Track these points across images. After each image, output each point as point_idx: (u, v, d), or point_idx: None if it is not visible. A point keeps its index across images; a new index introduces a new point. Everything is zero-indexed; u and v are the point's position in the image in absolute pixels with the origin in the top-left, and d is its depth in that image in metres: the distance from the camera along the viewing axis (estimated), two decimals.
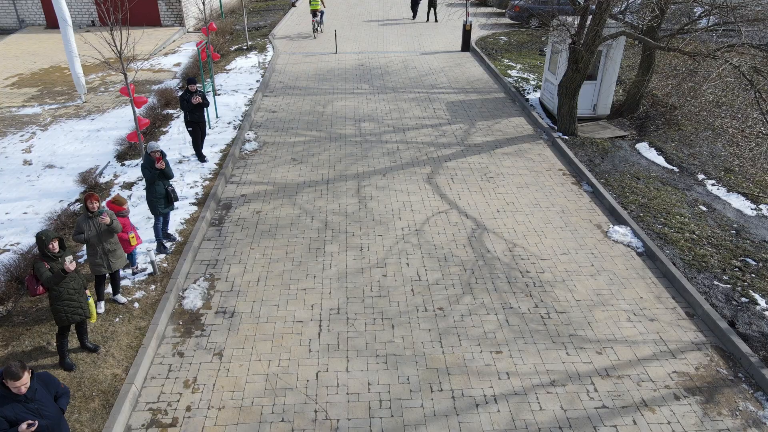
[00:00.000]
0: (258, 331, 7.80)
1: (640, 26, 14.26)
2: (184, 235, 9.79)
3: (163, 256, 9.22)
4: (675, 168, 12.25)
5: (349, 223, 10.32)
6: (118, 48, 10.02)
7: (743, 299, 8.33)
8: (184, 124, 14.24)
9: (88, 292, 6.92)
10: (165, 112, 15.28)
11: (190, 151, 12.95)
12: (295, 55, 21.49)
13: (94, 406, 6.54)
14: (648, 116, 14.87)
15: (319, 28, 24.47)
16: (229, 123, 14.63)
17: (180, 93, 16.60)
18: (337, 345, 7.57)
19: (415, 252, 9.50)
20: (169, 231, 9.76)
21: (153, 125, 14.15)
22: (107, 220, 7.37)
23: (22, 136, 13.95)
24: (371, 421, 6.48)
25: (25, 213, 10.58)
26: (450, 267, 9.12)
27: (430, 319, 8.00)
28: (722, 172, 12.03)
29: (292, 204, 10.98)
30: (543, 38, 22.60)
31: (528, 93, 16.80)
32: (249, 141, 13.76)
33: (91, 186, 11.38)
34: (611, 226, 10.26)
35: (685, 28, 13.12)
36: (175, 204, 10.04)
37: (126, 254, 8.15)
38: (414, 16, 27.75)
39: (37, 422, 4.73)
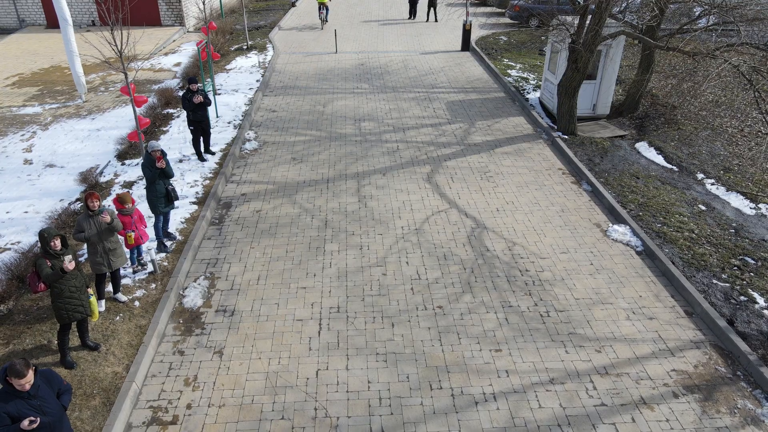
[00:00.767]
0: (258, 330, 7.82)
1: (640, 26, 14.28)
2: (185, 234, 9.81)
3: (163, 254, 9.25)
4: (674, 167, 12.27)
5: (349, 222, 10.34)
6: (119, 47, 10.05)
7: (742, 298, 8.36)
8: (186, 123, 14.30)
9: (90, 290, 6.95)
10: (165, 111, 15.30)
11: (191, 150, 12.98)
12: (295, 55, 21.52)
13: (94, 403, 6.57)
14: (647, 116, 14.90)
15: (325, 20, 26.49)
16: (229, 122, 14.65)
17: (181, 93, 16.65)
18: (337, 343, 7.59)
19: (414, 251, 9.52)
20: (169, 230, 9.79)
21: (153, 125, 14.18)
22: (108, 218, 7.40)
23: (22, 135, 13.98)
24: (371, 418, 6.50)
25: (26, 212, 10.61)
26: (450, 266, 9.14)
27: (430, 318, 8.03)
28: (721, 172, 12.06)
29: (292, 203, 11.01)
30: (543, 38, 22.62)
31: (528, 92, 16.82)
32: (249, 140, 13.79)
33: (92, 185, 11.40)
34: (610, 225, 10.29)
35: (685, 27, 13.15)
36: (176, 203, 10.08)
37: (127, 252, 8.18)
38: (412, 16, 27.75)
39: (39, 419, 4.75)
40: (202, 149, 12.64)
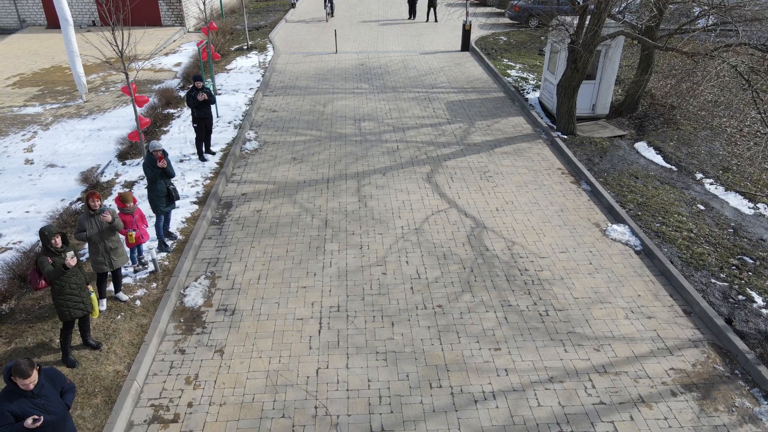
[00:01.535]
0: (259, 329, 7.86)
1: (639, 26, 14.33)
2: (185, 234, 9.85)
3: (164, 254, 9.29)
4: (673, 167, 12.31)
5: (349, 222, 10.38)
6: (119, 48, 10.09)
7: (740, 297, 8.40)
8: (189, 122, 14.36)
9: (90, 287, 6.99)
10: (166, 111, 15.34)
11: (191, 150, 13.02)
12: (295, 55, 21.55)
13: (96, 402, 6.61)
14: (647, 116, 14.94)
15: (331, 14, 27.56)
16: (229, 122, 14.69)
17: (183, 92, 16.70)
18: (337, 342, 7.63)
19: (414, 250, 9.56)
20: (170, 229, 9.82)
21: (154, 124, 14.22)
22: (109, 218, 7.43)
23: (23, 135, 14.02)
24: (371, 417, 6.54)
25: (27, 212, 10.65)
26: (449, 265, 9.18)
27: (430, 317, 8.07)
28: (720, 171, 12.10)
29: (293, 203, 11.05)
30: (542, 38, 22.66)
31: (527, 92, 16.86)
32: (249, 140, 13.83)
33: (93, 185, 11.44)
34: (609, 224, 10.33)
35: (684, 27, 13.18)
36: (176, 203, 10.12)
37: (128, 251, 8.22)
38: (412, 16, 27.78)
39: (42, 417, 4.78)
40: (204, 149, 12.68)
